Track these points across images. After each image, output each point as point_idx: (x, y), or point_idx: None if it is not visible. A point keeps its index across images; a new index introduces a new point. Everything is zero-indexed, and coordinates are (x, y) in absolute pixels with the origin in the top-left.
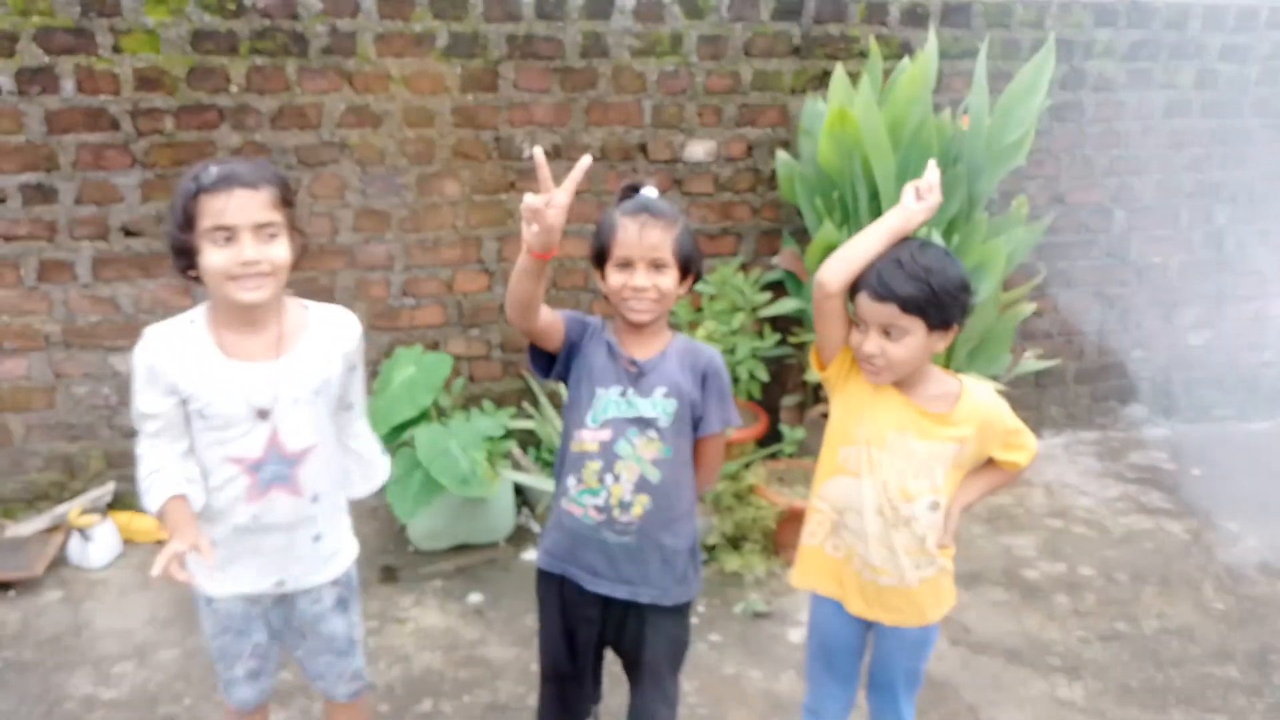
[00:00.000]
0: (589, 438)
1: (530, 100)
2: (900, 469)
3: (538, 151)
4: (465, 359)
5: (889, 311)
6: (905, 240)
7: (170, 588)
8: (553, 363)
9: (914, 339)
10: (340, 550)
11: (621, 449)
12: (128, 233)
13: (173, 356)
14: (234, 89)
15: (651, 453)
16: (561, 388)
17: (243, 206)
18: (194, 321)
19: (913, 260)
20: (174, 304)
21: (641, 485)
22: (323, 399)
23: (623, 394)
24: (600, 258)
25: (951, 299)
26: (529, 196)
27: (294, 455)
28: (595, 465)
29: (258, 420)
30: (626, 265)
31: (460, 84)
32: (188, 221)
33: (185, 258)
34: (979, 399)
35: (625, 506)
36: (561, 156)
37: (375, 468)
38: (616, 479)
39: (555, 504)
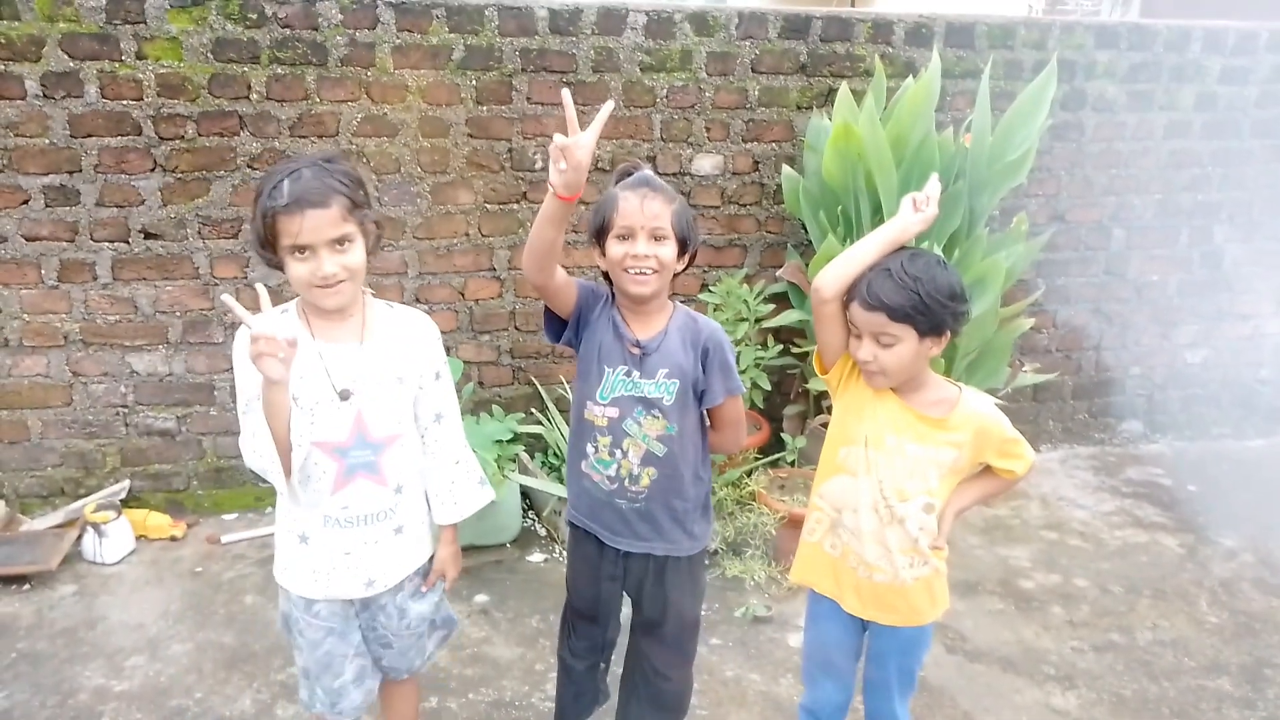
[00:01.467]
0: (599, 413)
1: (543, 113)
2: (897, 470)
3: (566, 93)
4: (475, 364)
5: (878, 320)
6: (898, 250)
7: (182, 583)
8: (563, 328)
9: (905, 346)
10: (421, 543)
11: (629, 427)
12: (148, 235)
13: None
14: (254, 97)
15: (656, 430)
16: (567, 392)
17: (315, 227)
18: (287, 310)
19: (901, 269)
20: (192, 305)
21: (648, 459)
22: (405, 390)
23: (628, 374)
24: (600, 234)
25: (941, 306)
26: (558, 136)
27: (379, 441)
28: (606, 439)
29: (342, 403)
30: (627, 236)
31: (475, 96)
32: (270, 238)
33: (273, 265)
34: (976, 407)
35: (634, 478)
36: None
37: (468, 493)
38: (625, 454)
39: (573, 465)
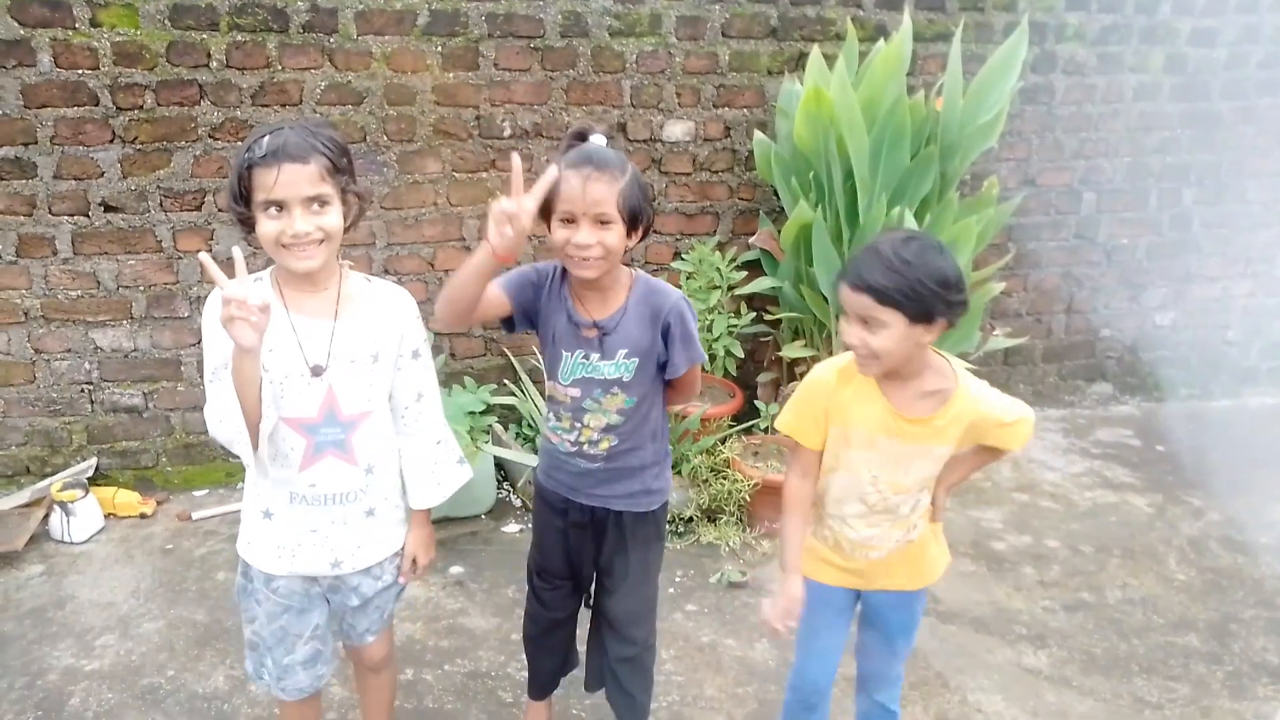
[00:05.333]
0: (561, 392)
1: (510, 79)
2: (890, 466)
3: (515, 159)
4: (447, 335)
5: (865, 302)
6: (893, 230)
7: (152, 560)
8: (513, 321)
9: (893, 331)
10: (396, 528)
11: (589, 405)
12: (108, 208)
13: None
14: (214, 65)
15: (616, 405)
16: (540, 363)
17: (291, 180)
18: (260, 279)
19: (893, 251)
20: (155, 279)
21: (607, 429)
22: (381, 368)
23: (585, 358)
24: (545, 211)
25: (931, 293)
26: (504, 201)
27: (350, 419)
28: (568, 413)
29: (313, 378)
30: (570, 221)
31: (441, 62)
32: (244, 193)
33: (246, 225)
34: (968, 402)
35: (594, 444)
36: (542, 135)
37: (449, 473)
38: (586, 425)
39: (543, 426)
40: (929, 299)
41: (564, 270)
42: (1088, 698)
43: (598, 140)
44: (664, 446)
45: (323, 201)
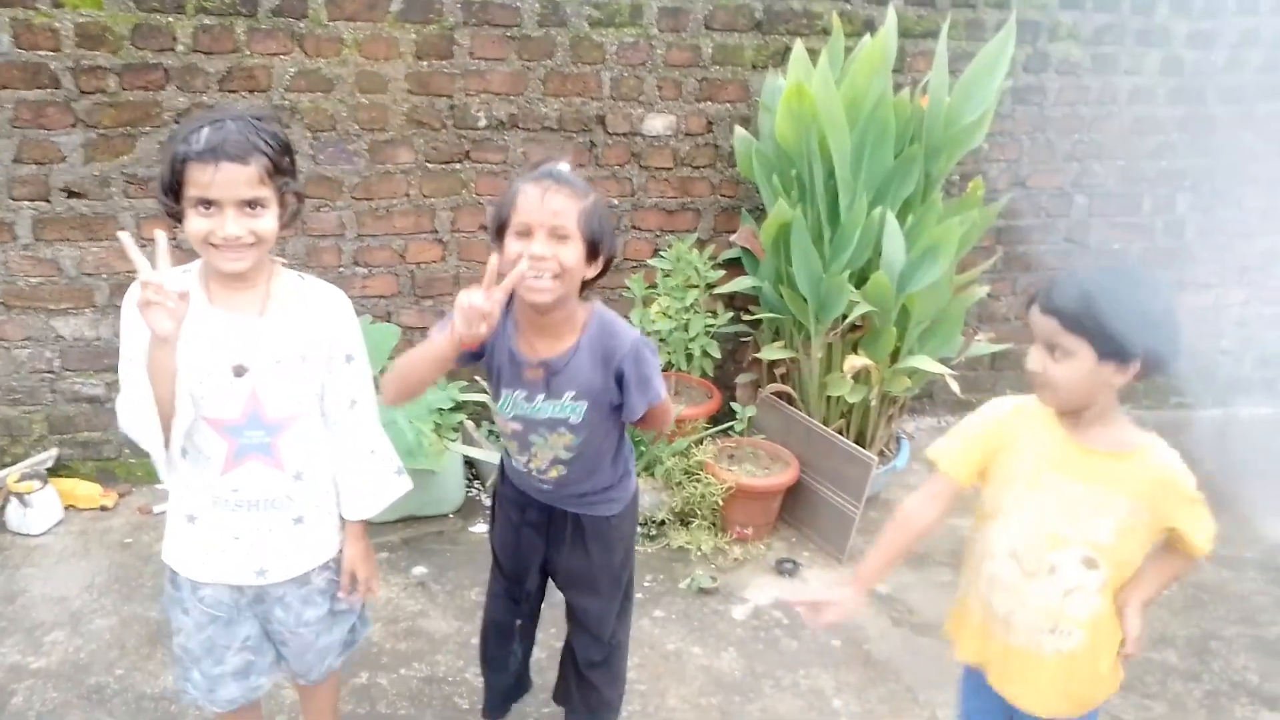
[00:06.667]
0: (504, 425)
1: (486, 69)
2: (1053, 511)
3: (492, 260)
4: (418, 329)
5: (1051, 326)
6: (1105, 264)
7: (110, 554)
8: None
9: (1078, 364)
10: (327, 537)
11: (534, 440)
12: (70, 193)
13: None
14: (180, 48)
15: (563, 443)
16: None
17: (228, 181)
18: (188, 271)
19: (1093, 278)
20: (119, 267)
21: (556, 461)
22: (310, 370)
23: (528, 399)
24: (499, 230)
25: (1126, 328)
26: (476, 296)
27: (275, 422)
28: (513, 442)
29: (234, 378)
30: (525, 233)
31: (415, 50)
32: (175, 184)
33: (173, 218)
34: (1163, 456)
35: (543, 471)
36: (518, 127)
37: (384, 484)
38: (534, 455)
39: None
40: (1121, 335)
41: (510, 300)
42: None
43: (561, 169)
44: (625, 463)
45: (259, 204)
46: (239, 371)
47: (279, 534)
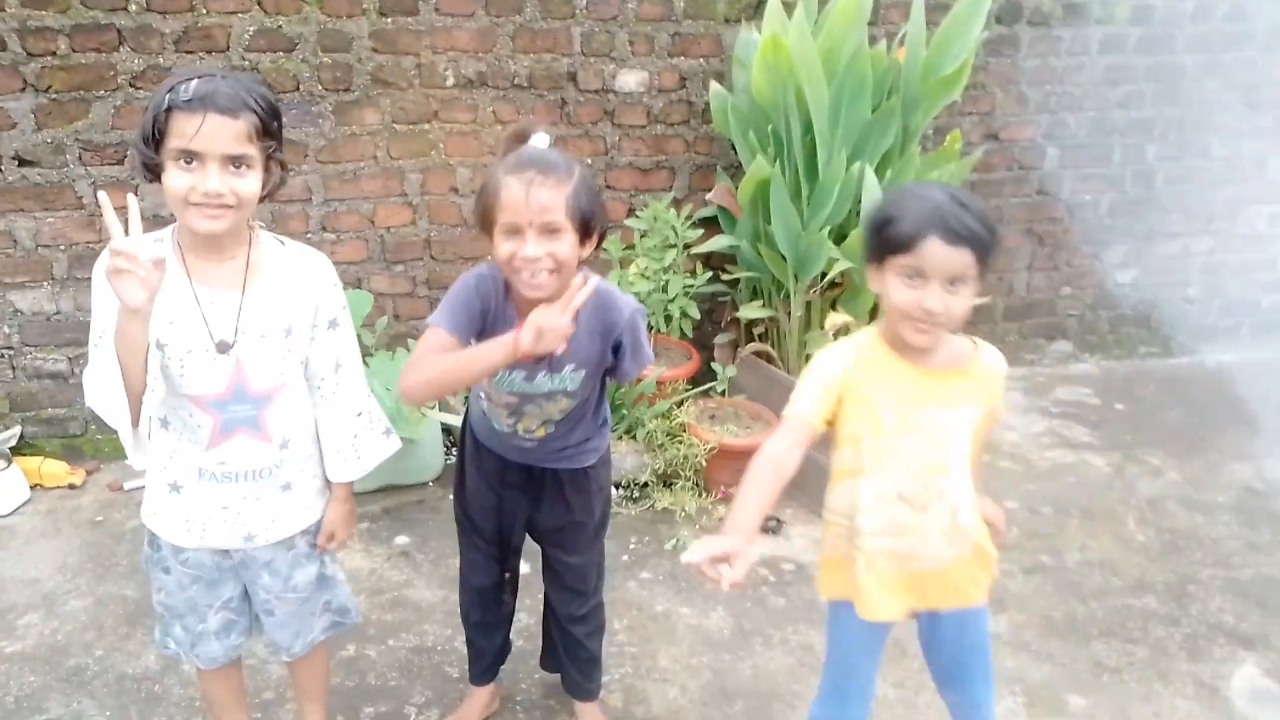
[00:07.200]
0: (497, 397)
1: (453, 25)
2: (928, 444)
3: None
4: (390, 296)
5: (963, 259)
6: (923, 182)
7: (81, 533)
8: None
9: (970, 289)
10: (314, 500)
11: (529, 409)
12: (22, 162)
13: None
14: (133, 8)
15: (558, 408)
16: None
17: (215, 133)
18: (160, 240)
19: (971, 201)
20: (77, 238)
21: (546, 422)
22: (295, 341)
23: (528, 379)
24: (486, 223)
25: (998, 234)
26: (556, 318)
27: (261, 395)
28: (503, 410)
29: (219, 354)
30: (515, 232)
31: (378, 6)
32: (156, 135)
33: (150, 171)
34: (989, 357)
35: (530, 432)
36: (488, 85)
37: (371, 445)
38: (523, 420)
39: (475, 397)
40: (999, 242)
41: (506, 282)
42: (1045, 663)
43: (540, 141)
44: (603, 415)
45: (244, 163)
46: (223, 348)
47: (267, 501)
